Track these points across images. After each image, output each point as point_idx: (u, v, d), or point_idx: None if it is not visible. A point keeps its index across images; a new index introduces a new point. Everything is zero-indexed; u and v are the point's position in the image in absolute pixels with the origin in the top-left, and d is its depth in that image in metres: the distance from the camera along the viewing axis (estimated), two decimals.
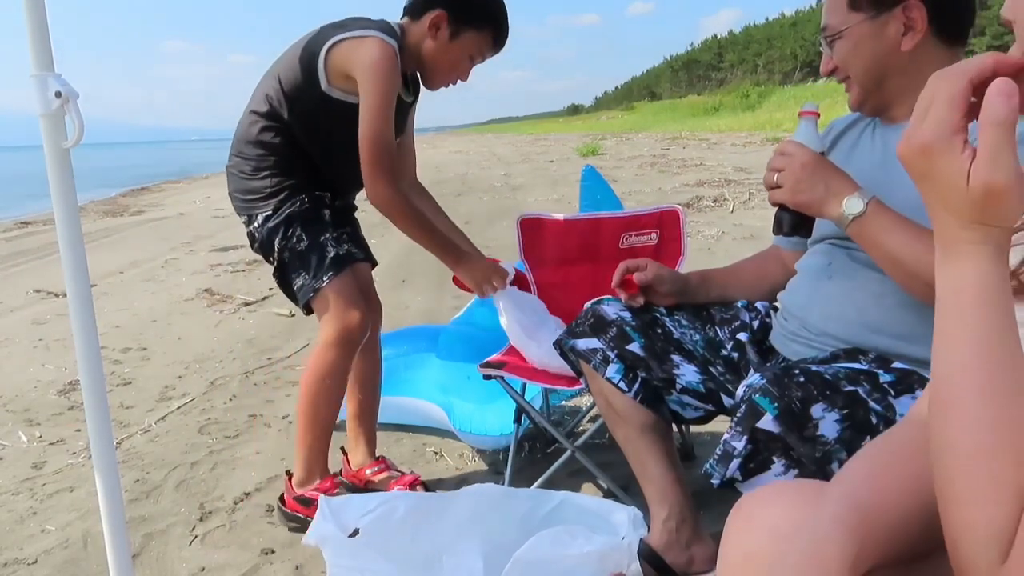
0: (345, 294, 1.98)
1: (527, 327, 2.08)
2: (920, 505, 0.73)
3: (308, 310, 2.02)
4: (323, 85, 1.91)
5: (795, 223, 1.38)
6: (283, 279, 2.04)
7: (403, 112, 2.06)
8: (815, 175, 1.31)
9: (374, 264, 2.25)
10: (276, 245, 1.98)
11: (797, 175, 1.32)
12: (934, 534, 0.71)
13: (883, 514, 0.72)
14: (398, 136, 2.07)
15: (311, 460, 2.05)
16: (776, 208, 1.40)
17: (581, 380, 1.85)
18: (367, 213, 2.23)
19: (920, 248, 1.24)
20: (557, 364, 2.01)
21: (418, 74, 2.07)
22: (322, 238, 1.98)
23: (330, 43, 1.88)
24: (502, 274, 2.10)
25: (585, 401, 2.74)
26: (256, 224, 2.00)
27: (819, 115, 1.40)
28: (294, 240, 1.97)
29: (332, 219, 2.06)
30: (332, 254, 1.98)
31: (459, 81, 2.04)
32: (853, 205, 1.28)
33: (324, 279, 1.96)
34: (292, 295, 2.04)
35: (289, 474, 2.11)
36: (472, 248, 2.19)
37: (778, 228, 1.41)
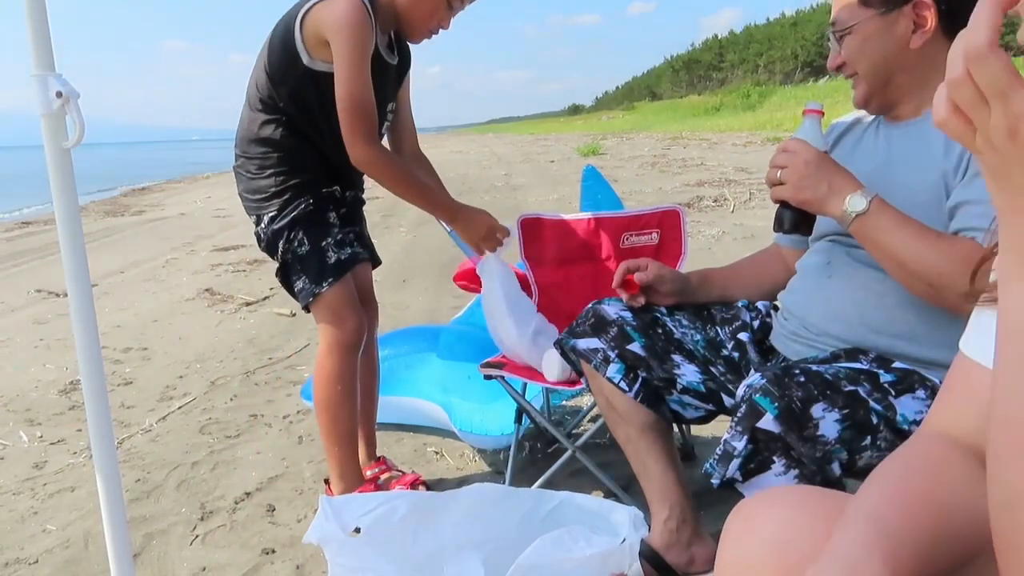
0: (342, 301, 1.98)
1: (511, 305, 2.06)
2: (949, 530, 0.71)
3: (307, 310, 2.03)
4: (305, 60, 1.86)
5: (796, 220, 1.39)
6: (285, 280, 2.04)
7: (387, 75, 2.00)
8: (818, 173, 1.32)
9: (378, 263, 2.24)
10: (280, 247, 1.97)
11: (800, 172, 1.32)
12: (959, 557, 0.71)
13: (914, 539, 0.69)
14: (390, 103, 2.03)
15: (344, 468, 2.06)
16: (777, 205, 1.40)
17: (582, 380, 1.85)
18: (369, 213, 2.23)
19: (923, 247, 1.24)
20: (528, 353, 2.01)
21: (401, 33, 2.01)
22: (324, 243, 1.96)
23: (301, 14, 1.83)
24: (503, 230, 2.05)
25: (586, 401, 2.74)
26: (263, 225, 1.98)
27: (823, 113, 1.40)
28: (296, 244, 1.95)
29: (341, 218, 2.03)
30: (333, 260, 1.97)
31: (441, 30, 1.98)
32: (856, 203, 1.28)
33: (323, 285, 1.95)
34: (294, 295, 2.04)
35: (327, 481, 2.13)
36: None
37: (779, 225, 1.41)
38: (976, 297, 0.74)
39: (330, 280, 1.95)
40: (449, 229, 2.11)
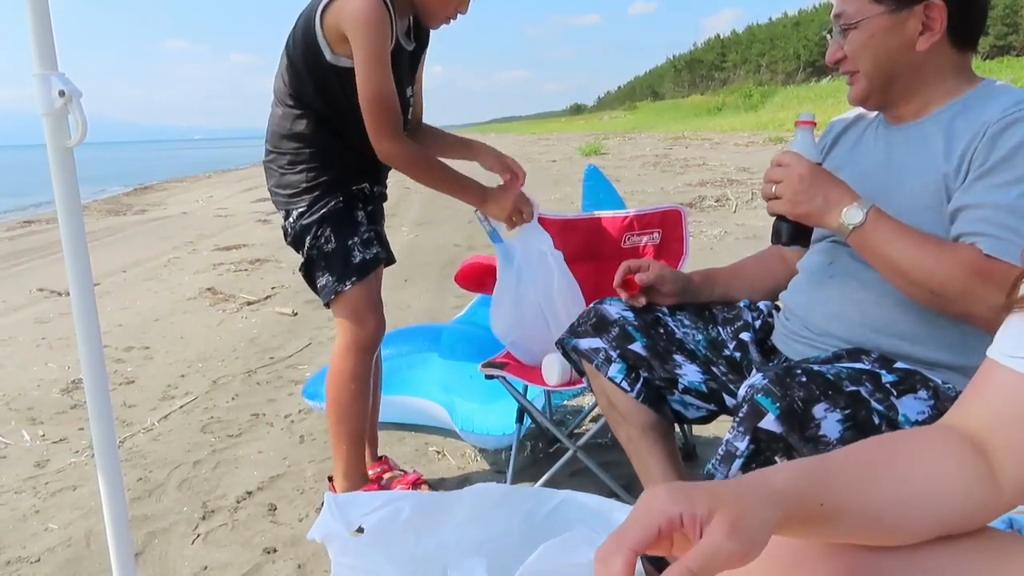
0: (364, 301, 1.98)
1: (524, 286, 2.07)
2: (877, 508, 0.72)
3: (327, 306, 2.02)
4: (329, 57, 1.84)
5: (794, 233, 1.39)
6: (308, 275, 2.03)
7: (406, 61, 1.98)
8: (813, 186, 1.31)
9: (392, 262, 2.23)
10: (306, 242, 1.96)
11: (795, 187, 1.32)
12: (872, 537, 0.72)
13: (832, 493, 0.71)
14: (409, 87, 2.02)
15: (348, 466, 2.05)
16: (774, 218, 1.40)
17: (583, 379, 1.85)
18: None
19: (922, 255, 1.24)
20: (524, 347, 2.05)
21: (419, 18, 1.98)
22: (350, 241, 1.96)
23: (321, 8, 1.81)
24: (529, 208, 2.05)
25: (587, 401, 2.74)
26: (291, 220, 1.97)
27: (815, 124, 1.39)
28: (322, 240, 1.95)
29: (367, 216, 2.03)
30: (358, 259, 1.96)
31: (459, 15, 1.95)
32: (852, 215, 1.28)
33: (347, 284, 1.95)
34: (315, 291, 2.03)
35: (331, 479, 2.13)
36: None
37: (777, 238, 1.41)
38: (1009, 309, 0.75)
39: (353, 279, 1.95)
40: (485, 223, 2.10)
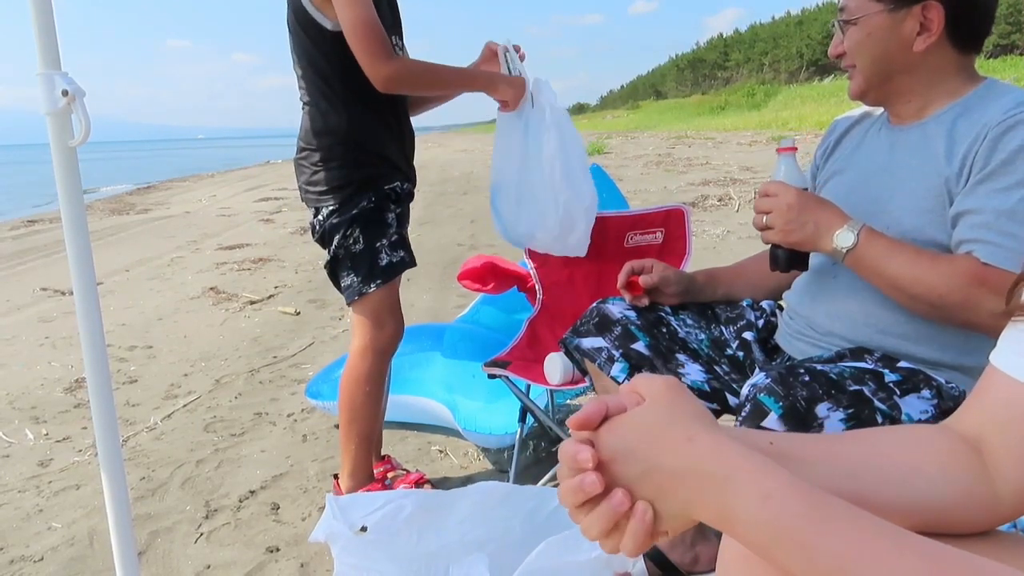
0: (386, 305, 1.98)
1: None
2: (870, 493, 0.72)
3: (349, 306, 2.01)
4: (329, 25, 1.81)
5: (790, 259, 1.39)
6: (333, 273, 2.02)
7: (383, 9, 1.91)
8: (803, 214, 1.32)
9: (414, 265, 2.23)
10: (334, 241, 1.95)
11: (785, 216, 1.33)
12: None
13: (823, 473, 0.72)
14: (394, 35, 1.95)
15: (355, 466, 2.05)
16: (769, 245, 1.41)
17: (585, 379, 1.85)
18: None
19: (919, 270, 1.24)
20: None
21: None
22: (378, 244, 1.95)
23: None
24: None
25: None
26: (321, 217, 1.95)
27: (797, 149, 1.40)
28: (351, 241, 1.94)
29: (395, 217, 2.01)
30: (384, 262, 1.95)
31: None
32: (844, 239, 1.29)
33: (371, 286, 1.94)
34: (339, 289, 2.02)
35: (336, 476, 2.13)
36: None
37: (775, 264, 1.42)
38: (1011, 314, 0.76)
39: (379, 282, 1.94)
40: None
